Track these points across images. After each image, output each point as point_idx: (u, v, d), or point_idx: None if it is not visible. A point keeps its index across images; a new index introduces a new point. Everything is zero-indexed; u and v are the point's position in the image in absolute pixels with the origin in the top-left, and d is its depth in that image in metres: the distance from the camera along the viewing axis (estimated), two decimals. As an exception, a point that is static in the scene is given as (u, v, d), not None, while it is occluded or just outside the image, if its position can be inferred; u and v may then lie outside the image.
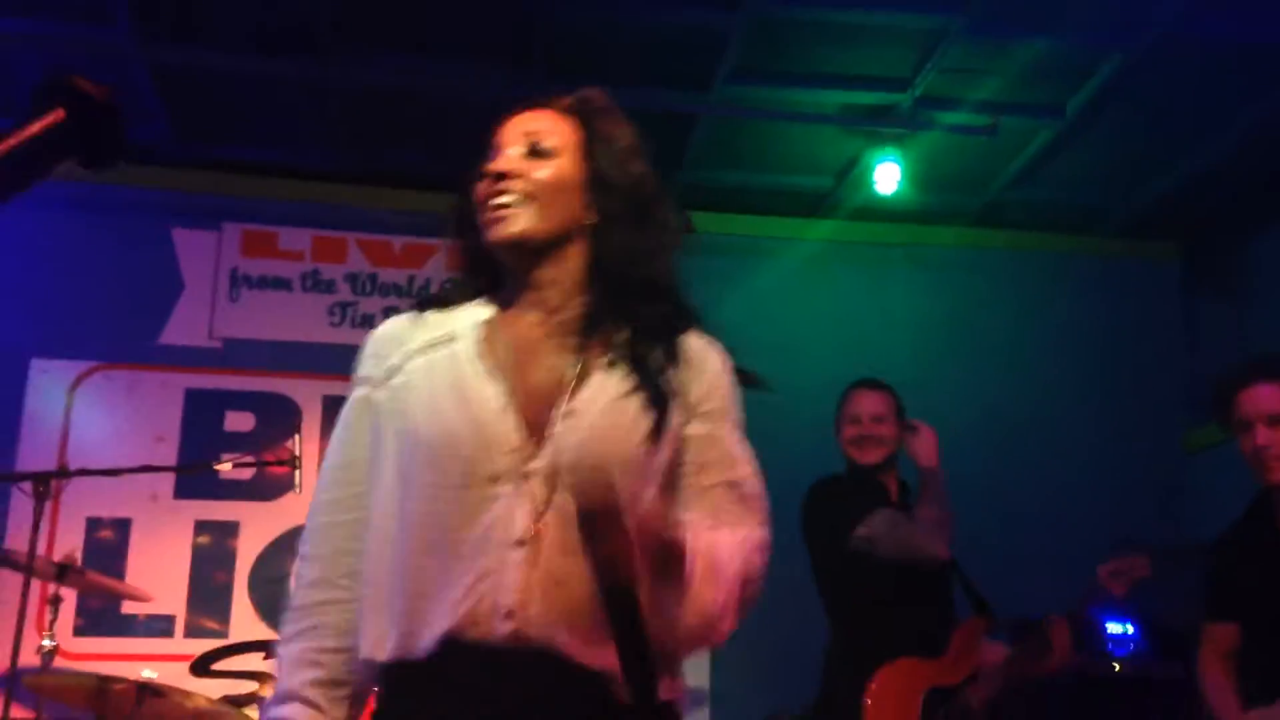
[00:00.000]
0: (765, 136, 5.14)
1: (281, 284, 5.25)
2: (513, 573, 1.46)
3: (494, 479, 1.50)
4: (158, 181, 5.21)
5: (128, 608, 4.68)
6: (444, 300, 1.69)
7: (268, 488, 4.92)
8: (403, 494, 1.54)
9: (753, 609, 1.54)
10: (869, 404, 3.71)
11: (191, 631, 4.76)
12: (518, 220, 1.58)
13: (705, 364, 1.63)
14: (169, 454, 4.91)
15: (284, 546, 4.92)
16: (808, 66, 4.64)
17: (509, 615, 1.45)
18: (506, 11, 4.32)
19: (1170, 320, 5.80)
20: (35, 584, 4.51)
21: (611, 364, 1.56)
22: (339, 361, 5.28)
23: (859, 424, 3.68)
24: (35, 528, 3.48)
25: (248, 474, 4.77)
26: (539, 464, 1.50)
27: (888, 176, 4.99)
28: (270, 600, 4.86)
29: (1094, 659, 4.40)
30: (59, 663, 3.82)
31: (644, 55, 4.51)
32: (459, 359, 1.58)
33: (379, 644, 1.51)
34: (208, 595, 4.83)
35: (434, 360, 1.59)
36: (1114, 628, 4.52)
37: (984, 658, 3.45)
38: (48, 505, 3.67)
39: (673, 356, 1.59)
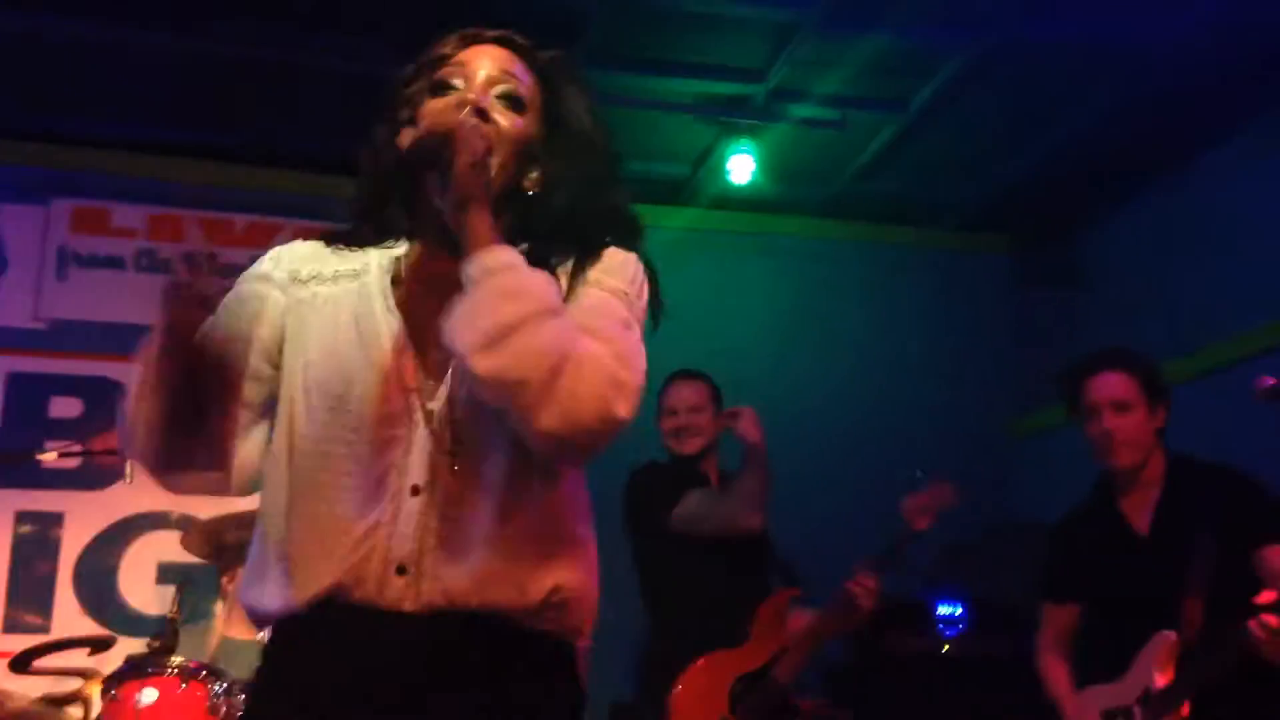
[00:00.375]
0: (623, 123, 5.13)
1: (114, 263, 5.00)
2: (408, 522, 1.40)
3: (390, 420, 1.43)
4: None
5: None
6: (355, 237, 1.60)
7: (95, 477, 4.68)
8: (292, 431, 1.47)
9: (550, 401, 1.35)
10: (686, 395, 3.77)
11: (10, 626, 4.51)
12: None
13: (613, 257, 1.57)
14: (-9, 441, 4.63)
15: (113, 538, 4.70)
16: (665, 54, 4.65)
17: (401, 569, 1.39)
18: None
19: (1001, 311, 6.05)
20: None
21: None
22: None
23: (676, 415, 3.74)
24: None
25: (74, 462, 4.52)
26: (438, 405, 1.44)
27: (741, 167, 5.05)
28: (97, 595, 4.64)
29: (925, 640, 4.56)
30: None
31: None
32: (366, 294, 1.52)
33: (267, 593, 1.45)
34: (29, 589, 4.58)
35: (340, 292, 1.53)
36: (943, 609, 4.69)
37: (792, 627, 3.52)
38: None
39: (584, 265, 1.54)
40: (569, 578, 1.46)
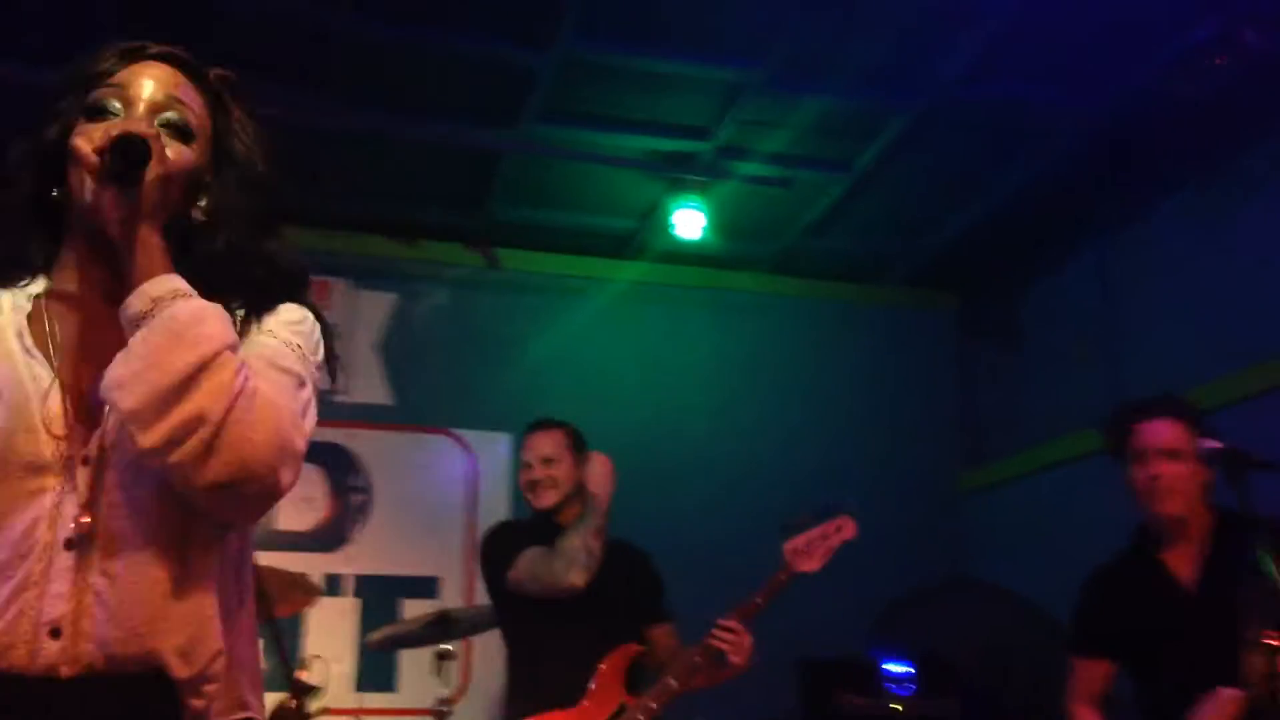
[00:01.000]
0: (571, 176, 5.18)
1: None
2: (61, 579, 1.29)
3: (37, 469, 1.31)
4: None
5: None
6: None
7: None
8: None
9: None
10: (540, 445, 3.62)
11: None
12: None
13: (289, 311, 1.49)
14: None
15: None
16: (613, 110, 4.70)
17: (55, 632, 1.28)
18: (300, 28, 4.20)
19: (947, 366, 6.14)
20: None
21: None
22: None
23: (531, 468, 3.61)
24: None
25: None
26: (91, 452, 1.33)
27: (689, 222, 5.10)
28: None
29: (873, 700, 4.51)
30: None
31: (451, 86, 4.48)
32: (2, 337, 1.38)
33: None
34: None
35: None
36: (893, 668, 4.64)
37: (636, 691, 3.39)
38: None
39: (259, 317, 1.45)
40: (236, 644, 1.39)
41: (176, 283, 1.30)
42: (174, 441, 1.23)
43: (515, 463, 3.98)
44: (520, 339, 5.47)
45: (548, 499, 3.56)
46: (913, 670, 4.47)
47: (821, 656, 4.62)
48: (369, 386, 5.26)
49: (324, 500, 5.05)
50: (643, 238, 5.60)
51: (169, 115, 1.43)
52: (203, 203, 1.46)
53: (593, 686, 3.36)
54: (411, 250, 5.47)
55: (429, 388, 5.33)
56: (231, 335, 1.31)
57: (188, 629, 1.31)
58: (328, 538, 5.02)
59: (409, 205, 5.31)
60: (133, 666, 1.28)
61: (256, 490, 1.28)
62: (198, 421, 1.23)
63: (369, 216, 5.35)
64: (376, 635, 4.08)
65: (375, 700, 4.80)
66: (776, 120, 4.62)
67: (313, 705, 3.75)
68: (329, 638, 4.72)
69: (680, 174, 5.01)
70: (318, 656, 3.82)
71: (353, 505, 5.10)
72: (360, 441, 5.12)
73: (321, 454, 5.10)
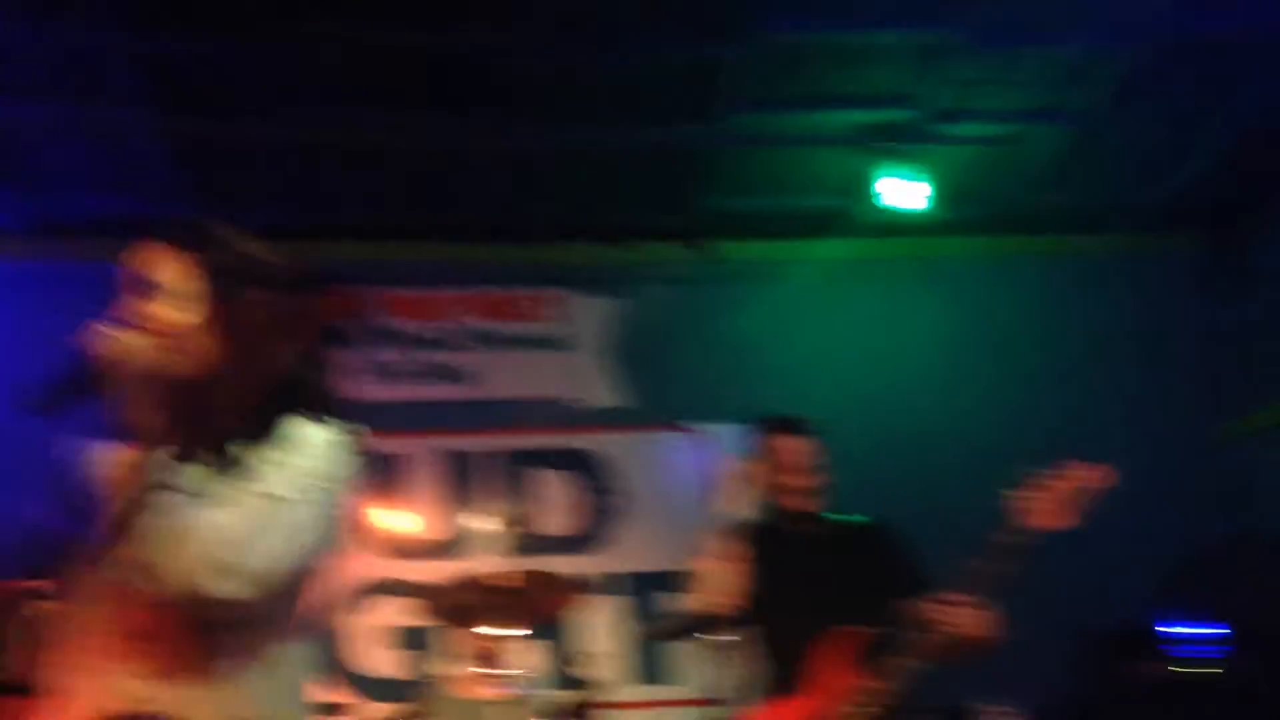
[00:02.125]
0: (775, 161, 5.21)
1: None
2: None
3: None
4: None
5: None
6: None
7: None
8: None
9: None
10: (797, 452, 3.51)
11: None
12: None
13: (307, 439, 1.73)
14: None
15: (346, 606, 4.98)
16: (810, 89, 4.70)
17: None
18: (487, 57, 4.40)
19: (1190, 313, 5.80)
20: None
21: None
22: (372, 419, 5.36)
23: (783, 472, 3.49)
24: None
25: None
26: None
27: (899, 191, 5.04)
28: (335, 659, 4.91)
29: (1161, 666, 4.24)
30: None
31: (649, 90, 4.59)
32: None
33: None
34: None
35: None
36: (1191, 631, 4.35)
37: None
38: None
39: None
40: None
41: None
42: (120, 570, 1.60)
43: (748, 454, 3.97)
44: (740, 327, 5.49)
45: (810, 505, 3.51)
46: (1220, 632, 4.12)
47: (1104, 625, 4.41)
48: (603, 391, 5.43)
49: (578, 504, 5.25)
50: (852, 213, 5.56)
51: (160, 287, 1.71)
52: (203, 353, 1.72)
53: (824, 669, 3.34)
54: (626, 253, 5.60)
55: (660, 386, 5.44)
56: (153, 479, 1.61)
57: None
58: (588, 539, 5.22)
59: (619, 210, 5.45)
60: None
61: (193, 600, 1.60)
62: (128, 552, 1.59)
63: (582, 225, 5.52)
64: (650, 629, 4.18)
65: (649, 693, 4.95)
66: (988, 77, 4.52)
67: (588, 699, 3.91)
68: (598, 634, 4.91)
69: (889, 144, 4.95)
70: (590, 652, 3.96)
71: (606, 506, 5.28)
72: (603, 444, 5.30)
73: (569, 460, 5.31)
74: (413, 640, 4.90)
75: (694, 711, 4.52)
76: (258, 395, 1.74)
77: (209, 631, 1.64)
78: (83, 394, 1.68)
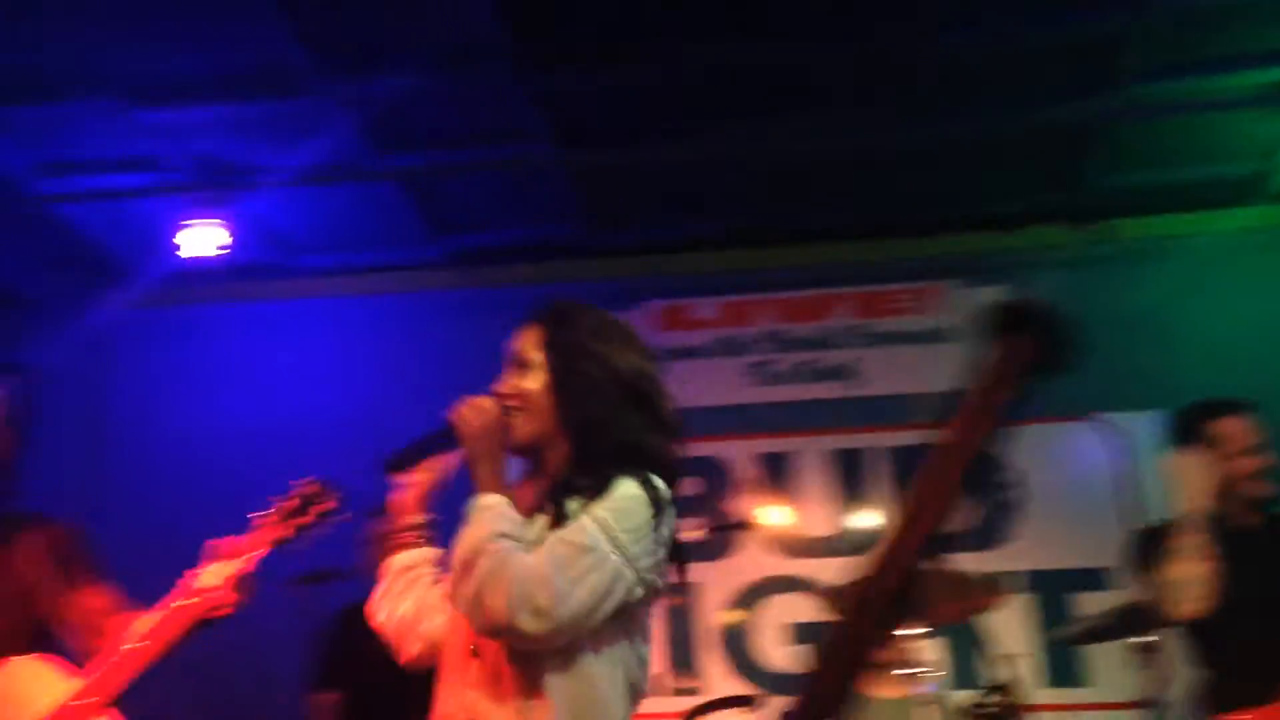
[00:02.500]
0: (1174, 130, 4.87)
1: (698, 352, 5.53)
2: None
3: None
4: (577, 275, 5.66)
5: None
6: None
7: (719, 548, 5.16)
8: None
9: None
10: (1248, 431, 3.28)
11: (673, 690, 5.01)
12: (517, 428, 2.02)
13: (617, 489, 1.89)
14: (623, 524, 5.23)
15: (744, 603, 5.14)
16: (1216, 50, 4.36)
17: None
18: (883, 52, 4.36)
19: None
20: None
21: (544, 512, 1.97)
22: (764, 420, 5.48)
23: (1244, 456, 3.26)
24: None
25: (700, 536, 4.97)
26: None
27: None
28: (740, 655, 5.07)
29: None
30: None
31: (1037, 69, 4.42)
32: None
33: None
34: (681, 654, 5.10)
35: None
36: None
37: None
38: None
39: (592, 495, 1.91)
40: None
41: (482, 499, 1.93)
42: (459, 602, 1.87)
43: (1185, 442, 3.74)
44: (1137, 308, 5.17)
45: (1266, 490, 3.29)
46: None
47: None
48: (1000, 383, 5.28)
49: (974, 500, 5.11)
50: (1264, 179, 5.11)
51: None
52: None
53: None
54: (1017, 239, 5.41)
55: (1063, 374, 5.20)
56: (490, 529, 1.85)
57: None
58: (986, 536, 5.09)
59: (1002, 196, 5.28)
60: None
61: (506, 635, 1.83)
62: (462, 588, 1.84)
63: (962, 214, 5.39)
64: (1069, 631, 4.05)
65: (1067, 696, 4.78)
66: None
67: (1005, 701, 3.82)
68: (1007, 635, 4.79)
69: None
70: (1005, 654, 3.88)
71: (1005, 502, 5.13)
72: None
73: (964, 454, 5.20)
74: (814, 636, 4.98)
75: (1120, 716, 4.30)
76: (596, 455, 1.95)
77: (526, 655, 1.87)
78: (437, 452, 2.07)
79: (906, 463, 5.27)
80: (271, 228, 5.37)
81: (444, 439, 2.02)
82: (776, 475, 5.31)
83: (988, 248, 5.44)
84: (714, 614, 5.15)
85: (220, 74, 4.31)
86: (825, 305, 5.53)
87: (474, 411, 2.00)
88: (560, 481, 1.97)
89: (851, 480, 5.31)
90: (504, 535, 1.87)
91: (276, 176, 4.77)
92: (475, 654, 1.94)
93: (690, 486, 5.18)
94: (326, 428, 4.99)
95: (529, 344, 2.05)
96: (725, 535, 5.07)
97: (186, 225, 4.80)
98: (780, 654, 5.08)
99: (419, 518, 2.15)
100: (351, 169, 4.88)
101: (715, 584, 5.17)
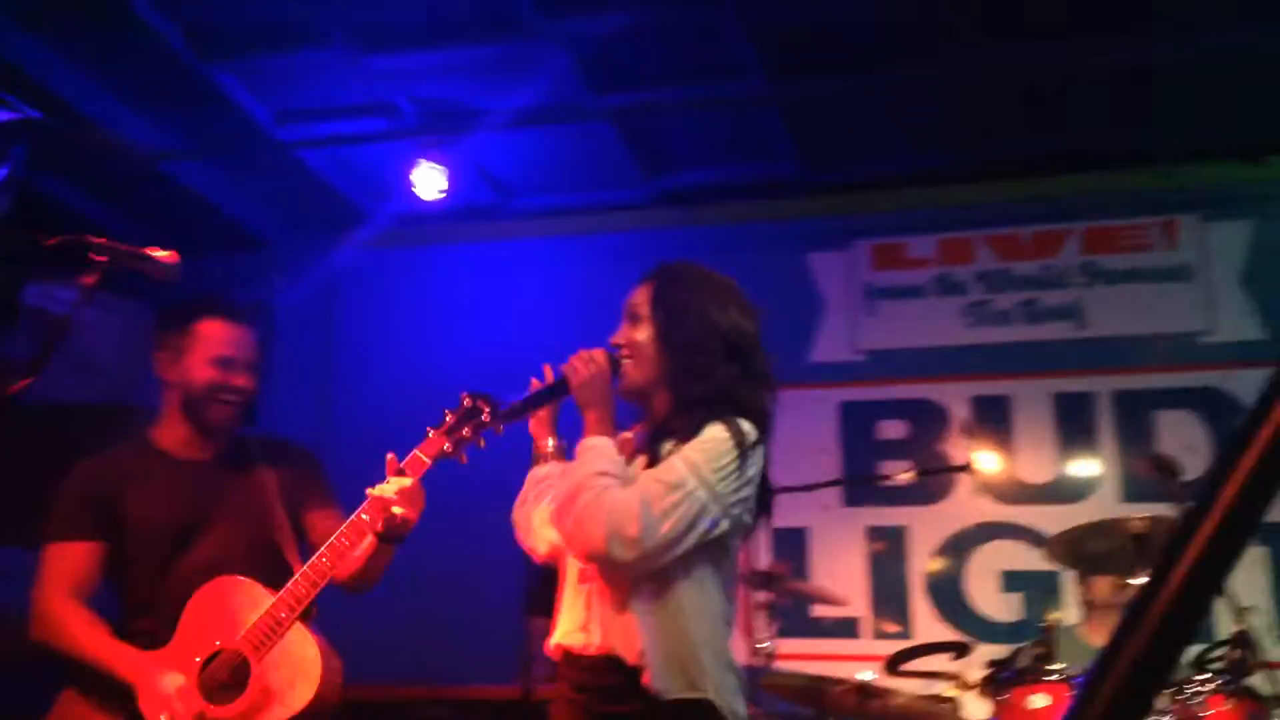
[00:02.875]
0: None
1: (914, 292, 5.37)
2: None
3: None
4: (788, 213, 5.59)
5: (816, 611, 4.99)
6: None
7: (930, 493, 5.04)
8: None
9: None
10: None
11: (876, 633, 5.00)
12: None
13: (706, 432, 2.12)
14: (831, 465, 5.19)
15: (956, 548, 5.02)
16: None
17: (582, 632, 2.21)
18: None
19: None
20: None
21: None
22: (981, 362, 5.31)
23: None
24: (759, 543, 3.84)
25: (911, 479, 4.88)
26: None
27: None
28: (948, 602, 4.96)
29: None
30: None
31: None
32: None
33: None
34: (887, 598, 5.04)
35: None
36: None
37: None
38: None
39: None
40: (672, 642, 2.14)
41: (588, 440, 2.21)
42: (561, 530, 2.16)
43: None
44: None
45: None
46: None
47: None
48: (1238, 323, 4.93)
49: (1205, 446, 4.82)
50: None
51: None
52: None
53: None
54: (1265, 170, 5.00)
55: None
56: (592, 468, 2.13)
57: (624, 634, 2.13)
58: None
59: (1257, 123, 4.87)
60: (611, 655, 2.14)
61: (601, 561, 2.11)
62: (564, 518, 2.12)
63: (1213, 144, 5.01)
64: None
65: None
66: None
67: (1239, 655, 3.61)
68: (1242, 588, 4.50)
69: None
70: (1239, 607, 3.66)
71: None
72: (1237, 382, 4.81)
73: (1195, 399, 4.90)
74: (1031, 584, 4.82)
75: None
76: (692, 402, 2.18)
77: (622, 579, 2.12)
78: (546, 404, 2.36)
79: (1133, 409, 5.01)
80: (489, 170, 5.52)
81: (554, 391, 2.30)
82: (993, 419, 5.12)
83: (1236, 178, 5.04)
84: (923, 559, 5.06)
85: (444, 19, 4.43)
86: (1050, 242, 5.27)
87: (584, 363, 2.25)
88: (659, 426, 2.23)
89: (1073, 425, 5.06)
90: (604, 473, 2.11)
91: (496, 119, 4.89)
92: (582, 576, 2.21)
93: (902, 429, 5.18)
94: (539, 363, 5.13)
95: (641, 299, 2.31)
96: (938, 479, 4.95)
97: (412, 168, 4.98)
98: (991, 602, 4.94)
99: (550, 439, 2.41)
100: (567, 109, 4.95)
101: (926, 528, 5.06)
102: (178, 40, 4.50)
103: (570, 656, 2.20)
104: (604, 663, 2.12)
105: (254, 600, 2.53)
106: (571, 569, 2.26)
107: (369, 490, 2.42)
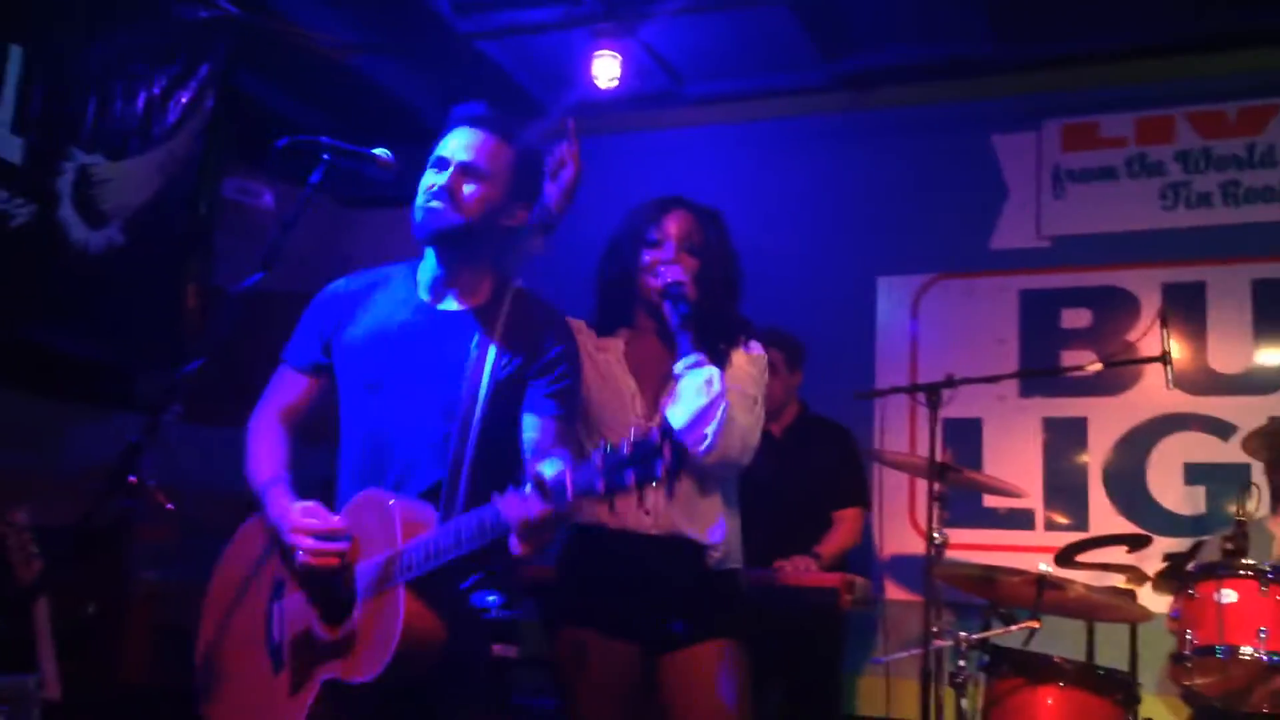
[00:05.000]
0: None
1: (1106, 174, 5.14)
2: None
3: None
4: (973, 93, 5.39)
5: (988, 502, 4.93)
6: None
7: (1112, 383, 4.88)
8: None
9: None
10: None
11: (1049, 525, 4.92)
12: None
13: (750, 350, 2.84)
14: (1010, 355, 5.07)
15: (1137, 440, 4.87)
16: None
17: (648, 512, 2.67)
18: None
19: None
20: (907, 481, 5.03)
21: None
22: (1176, 247, 5.09)
23: None
24: (931, 434, 3.82)
25: (1098, 368, 4.71)
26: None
27: None
28: (1127, 495, 4.84)
29: None
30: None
31: None
32: (611, 360, 2.87)
33: None
34: (1062, 490, 4.95)
35: (612, 359, 2.88)
36: None
37: None
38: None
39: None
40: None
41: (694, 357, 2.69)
42: (698, 444, 2.59)
43: None
44: None
45: None
46: None
47: None
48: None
49: None
50: None
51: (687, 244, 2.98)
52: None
53: None
54: None
55: None
56: (718, 390, 2.63)
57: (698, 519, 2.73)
58: None
59: None
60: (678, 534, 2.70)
61: (735, 467, 2.73)
62: (703, 437, 2.60)
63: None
64: None
65: None
66: None
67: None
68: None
69: None
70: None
71: None
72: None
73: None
74: (1216, 477, 4.65)
75: None
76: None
77: (714, 479, 2.72)
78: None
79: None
80: (664, 56, 5.49)
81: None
82: (1186, 306, 4.88)
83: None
84: (1102, 450, 4.92)
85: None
86: (1257, 118, 4.92)
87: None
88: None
89: (1271, 314, 4.79)
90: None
91: (672, 4, 4.85)
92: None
93: (1086, 318, 5.00)
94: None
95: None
96: (1125, 369, 4.77)
97: (589, 56, 5.00)
98: (1173, 494, 4.78)
99: None
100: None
101: (1107, 420, 4.92)
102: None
103: (629, 536, 2.63)
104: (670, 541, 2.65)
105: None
106: None
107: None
